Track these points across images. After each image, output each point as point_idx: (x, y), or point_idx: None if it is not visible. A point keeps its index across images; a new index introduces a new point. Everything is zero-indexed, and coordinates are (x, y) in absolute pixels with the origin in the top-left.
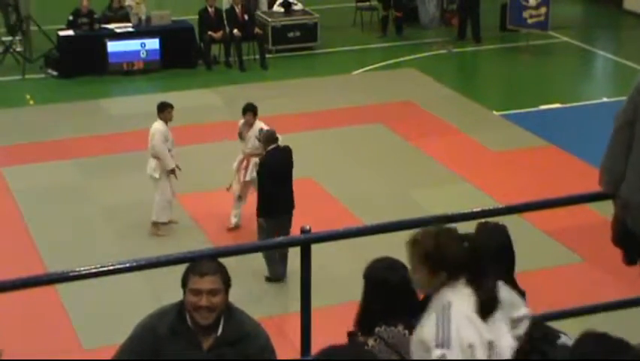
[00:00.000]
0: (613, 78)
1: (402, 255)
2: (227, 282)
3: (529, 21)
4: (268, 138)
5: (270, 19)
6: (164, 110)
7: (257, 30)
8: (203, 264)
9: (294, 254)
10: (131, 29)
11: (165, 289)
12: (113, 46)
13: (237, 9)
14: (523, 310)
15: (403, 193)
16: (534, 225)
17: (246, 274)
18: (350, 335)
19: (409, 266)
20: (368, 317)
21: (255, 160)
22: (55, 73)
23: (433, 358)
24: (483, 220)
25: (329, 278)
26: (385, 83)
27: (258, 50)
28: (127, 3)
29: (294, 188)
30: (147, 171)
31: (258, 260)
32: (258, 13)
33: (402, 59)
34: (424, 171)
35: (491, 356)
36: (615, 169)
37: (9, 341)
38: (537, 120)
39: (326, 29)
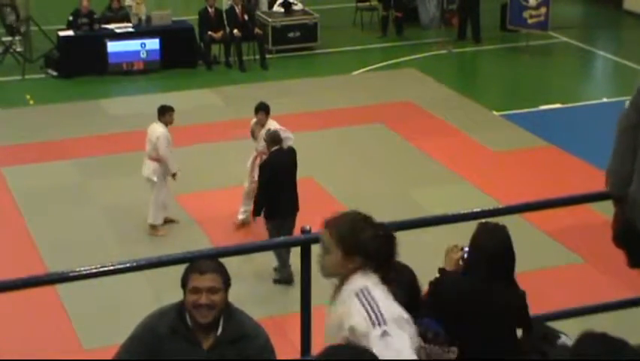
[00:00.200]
0: (613, 78)
1: (402, 255)
2: (226, 281)
3: (529, 21)
4: (271, 138)
5: (270, 19)
6: (165, 114)
7: (257, 30)
8: (202, 262)
9: (294, 254)
10: (131, 29)
11: (165, 289)
12: (113, 46)
13: (237, 9)
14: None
15: (403, 193)
16: (534, 225)
17: (247, 274)
18: None
19: (320, 249)
20: None
21: None
22: (55, 73)
23: (374, 337)
24: (483, 220)
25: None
26: (385, 83)
27: (258, 50)
28: (127, 3)
29: None
30: (144, 174)
31: (258, 260)
32: (258, 13)
33: (402, 59)
34: (424, 171)
35: (413, 333)
36: (622, 171)
37: (9, 341)
38: (537, 120)
39: (326, 29)
